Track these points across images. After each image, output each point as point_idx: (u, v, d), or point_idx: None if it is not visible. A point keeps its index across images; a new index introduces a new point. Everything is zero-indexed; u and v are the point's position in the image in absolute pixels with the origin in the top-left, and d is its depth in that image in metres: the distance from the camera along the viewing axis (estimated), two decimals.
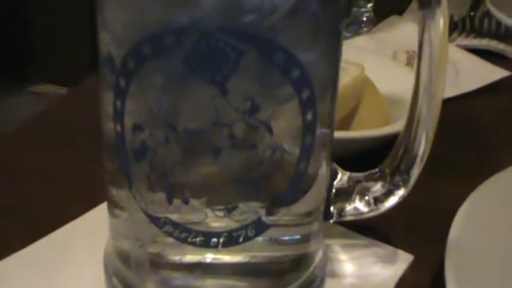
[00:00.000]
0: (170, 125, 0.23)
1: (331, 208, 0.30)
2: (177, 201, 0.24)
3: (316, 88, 0.24)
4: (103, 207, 0.31)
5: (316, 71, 0.24)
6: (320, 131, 0.25)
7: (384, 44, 0.60)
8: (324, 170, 0.27)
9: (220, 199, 0.24)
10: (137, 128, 0.24)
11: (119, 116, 0.24)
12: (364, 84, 0.42)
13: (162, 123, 0.23)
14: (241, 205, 0.24)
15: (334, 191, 0.29)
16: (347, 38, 0.60)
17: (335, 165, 0.29)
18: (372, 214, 0.30)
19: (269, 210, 0.25)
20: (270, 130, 0.23)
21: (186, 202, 0.24)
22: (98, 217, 0.33)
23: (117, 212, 0.27)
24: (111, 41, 0.24)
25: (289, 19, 0.22)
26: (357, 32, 0.62)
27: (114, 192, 0.27)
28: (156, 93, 0.23)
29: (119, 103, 0.24)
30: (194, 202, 0.24)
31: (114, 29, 0.24)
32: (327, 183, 0.28)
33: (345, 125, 0.41)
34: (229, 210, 0.24)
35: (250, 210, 0.25)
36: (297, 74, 0.23)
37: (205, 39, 0.21)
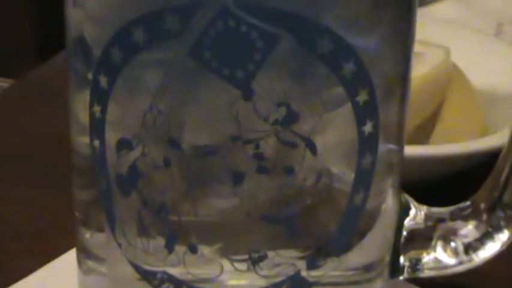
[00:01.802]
0: (171, 140, 0.25)
1: (402, 259, 0.31)
2: (180, 249, 0.26)
3: (377, 87, 0.25)
4: (69, 256, 0.33)
5: (378, 63, 0.25)
6: (384, 147, 0.26)
7: (482, 13, 0.60)
8: (389, 203, 0.28)
9: (242, 246, 0.26)
10: (124, 144, 0.25)
11: (97, 127, 0.26)
12: (451, 76, 0.43)
13: (159, 138, 0.25)
14: (271, 254, 0.26)
15: (405, 234, 0.31)
16: (424, 5, 0.61)
17: (406, 197, 0.31)
18: (462, 268, 0.31)
19: (311, 262, 0.26)
20: (313, 148, 0.25)
21: (193, 250, 0.26)
22: (62, 272, 0.34)
23: (92, 264, 0.29)
24: (86, 21, 0.26)
25: None
26: None
27: (88, 235, 0.29)
28: (151, 96, 0.24)
29: (97, 109, 0.25)
30: (205, 250, 0.26)
31: (92, 4, 0.26)
32: (394, 222, 0.30)
33: (422, 136, 0.42)
34: (254, 262, 0.26)
35: (284, 261, 0.26)
36: (351, 68, 0.24)
37: (221, 21, 0.23)
